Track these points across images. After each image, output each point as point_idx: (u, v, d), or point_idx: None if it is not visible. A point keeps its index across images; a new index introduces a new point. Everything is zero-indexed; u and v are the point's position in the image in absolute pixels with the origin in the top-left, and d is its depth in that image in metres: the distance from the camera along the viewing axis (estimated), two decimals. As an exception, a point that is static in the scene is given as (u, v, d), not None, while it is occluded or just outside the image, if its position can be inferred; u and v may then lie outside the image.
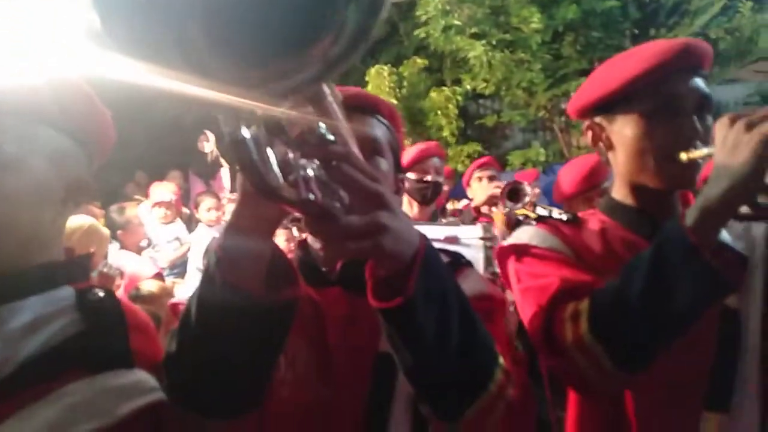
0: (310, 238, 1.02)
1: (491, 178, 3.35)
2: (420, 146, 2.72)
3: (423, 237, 0.67)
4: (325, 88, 0.57)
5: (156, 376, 0.79)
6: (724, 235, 0.96)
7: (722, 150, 0.77)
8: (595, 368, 0.85)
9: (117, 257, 3.59)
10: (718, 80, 6.13)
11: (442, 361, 0.68)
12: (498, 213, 2.92)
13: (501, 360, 0.75)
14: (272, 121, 0.53)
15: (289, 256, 0.80)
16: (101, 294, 0.85)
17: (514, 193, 2.85)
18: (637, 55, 1.05)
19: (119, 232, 3.81)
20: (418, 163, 2.67)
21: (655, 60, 1.00)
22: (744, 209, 0.82)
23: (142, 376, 0.78)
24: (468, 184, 3.53)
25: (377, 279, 0.66)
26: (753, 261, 0.98)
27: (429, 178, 2.58)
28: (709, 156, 0.90)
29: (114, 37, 0.37)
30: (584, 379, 0.88)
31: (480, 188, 3.32)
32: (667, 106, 1.00)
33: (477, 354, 0.72)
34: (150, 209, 4.59)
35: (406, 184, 2.67)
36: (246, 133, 0.48)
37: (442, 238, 2.09)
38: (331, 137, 0.58)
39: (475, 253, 2.10)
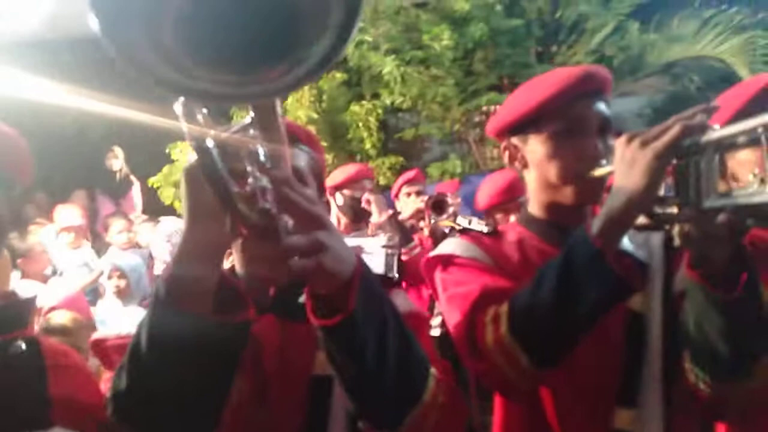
0: (237, 266, 1.01)
1: (419, 193, 3.45)
2: (356, 167, 2.85)
3: (359, 256, 0.70)
4: (277, 112, 0.59)
5: (79, 421, 0.76)
6: (626, 244, 1.06)
7: (621, 166, 0.86)
8: (513, 367, 0.93)
9: (20, 287, 3.32)
10: (614, 94, 6.62)
11: (381, 375, 0.72)
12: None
13: (433, 370, 0.81)
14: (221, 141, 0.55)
15: None
16: (23, 347, 0.81)
17: (438, 205, 2.94)
18: (546, 81, 1.14)
19: (20, 260, 3.53)
20: (353, 182, 2.77)
21: (561, 85, 1.10)
22: (642, 219, 0.91)
23: None
24: (396, 197, 3.60)
25: (317, 298, 0.68)
26: (653, 267, 1.09)
27: (365, 197, 2.65)
28: (611, 173, 0.99)
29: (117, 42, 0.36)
30: (505, 379, 0.95)
31: (408, 203, 3.40)
32: (572, 128, 1.10)
33: (413, 366, 0.77)
34: (56, 234, 4.28)
35: (340, 201, 2.71)
36: (210, 143, 0.50)
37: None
38: (268, 161, 0.60)
39: (377, 260, 2.21)
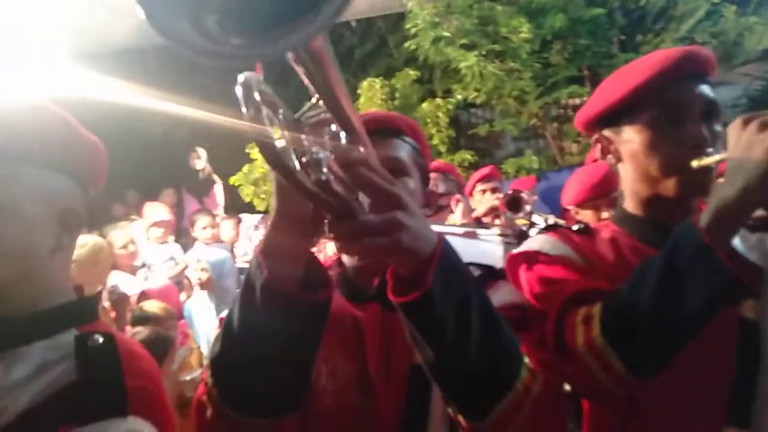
0: (344, 256, 1.06)
1: (494, 190, 3.36)
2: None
3: (441, 236, 0.69)
4: (340, 92, 0.59)
5: (153, 421, 0.80)
6: (738, 245, 0.95)
7: (736, 151, 0.77)
8: (606, 372, 0.84)
9: (118, 280, 3.56)
10: (706, 83, 6.16)
11: (462, 356, 0.69)
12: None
13: (527, 360, 0.76)
14: (297, 120, 0.58)
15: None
16: (100, 340, 0.85)
17: (513, 203, 2.84)
18: (639, 66, 1.05)
19: (114, 253, 3.78)
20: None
21: (656, 68, 1.00)
22: (760, 212, 0.81)
23: (136, 425, 0.78)
24: (470, 194, 3.52)
25: (398, 277, 0.69)
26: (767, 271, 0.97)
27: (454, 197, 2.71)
28: (721, 161, 0.89)
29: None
30: (596, 384, 0.87)
31: (482, 200, 3.32)
32: (672, 114, 1.00)
33: (500, 351, 0.73)
34: (145, 229, 4.54)
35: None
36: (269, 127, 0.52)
37: (460, 233, 2.17)
38: (348, 142, 0.61)
39: (494, 248, 2.15)
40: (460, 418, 0.75)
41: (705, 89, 1.02)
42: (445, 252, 0.68)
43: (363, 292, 0.99)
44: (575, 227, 1.14)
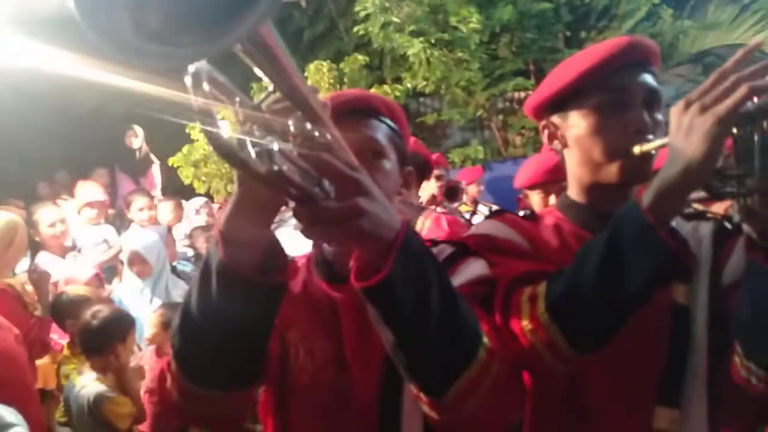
0: None
1: (438, 177, 3.37)
2: None
3: (405, 221, 0.71)
4: (293, 76, 0.61)
5: (19, 405, 0.80)
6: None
7: (677, 134, 0.77)
8: (550, 349, 0.86)
9: (43, 261, 3.34)
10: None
11: (421, 339, 0.72)
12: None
13: (485, 339, 0.78)
14: (255, 108, 0.59)
15: None
16: None
17: (451, 192, 2.86)
18: (587, 53, 1.06)
19: (42, 235, 3.55)
20: None
21: (603, 55, 1.02)
22: (698, 194, 0.83)
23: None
24: None
25: (360, 262, 0.70)
26: (700, 259, 1.00)
27: None
28: (662, 146, 0.90)
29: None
30: (540, 361, 0.88)
31: (427, 187, 3.33)
32: (616, 100, 1.01)
33: (458, 332, 0.75)
34: (77, 210, 4.29)
35: None
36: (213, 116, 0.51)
37: None
38: (310, 128, 0.62)
39: None
40: (421, 395, 0.77)
41: (648, 78, 1.03)
42: (407, 237, 0.69)
43: (339, 273, 0.97)
44: (521, 213, 1.16)
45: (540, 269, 0.95)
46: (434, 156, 3.64)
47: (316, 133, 0.63)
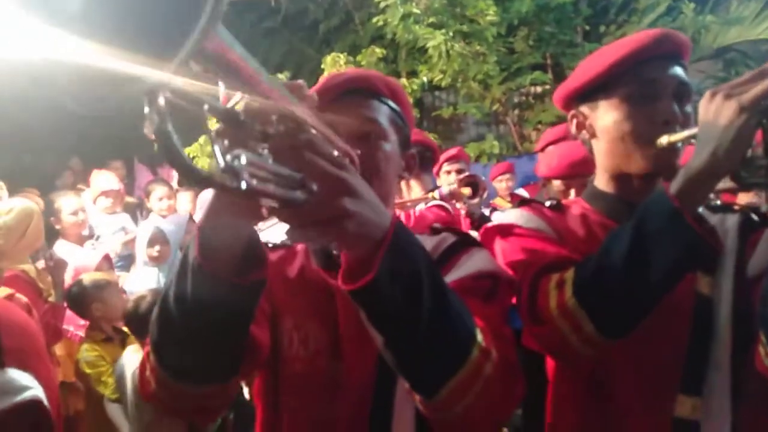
0: None
1: (459, 171, 3.36)
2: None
3: (395, 219, 0.68)
4: (281, 93, 0.58)
5: (34, 373, 0.83)
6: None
7: (705, 121, 0.78)
8: (577, 333, 0.87)
9: (60, 249, 3.38)
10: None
11: (411, 340, 0.70)
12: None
13: (480, 338, 0.76)
14: (227, 114, 0.54)
15: None
16: None
17: (471, 188, 2.84)
18: (618, 44, 1.07)
19: (61, 223, 3.61)
20: None
21: (635, 45, 1.02)
22: (726, 182, 0.83)
23: (12, 375, 0.82)
24: (437, 174, 3.51)
25: (347, 262, 0.68)
26: (726, 249, 1.00)
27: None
28: (690, 138, 0.91)
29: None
30: (566, 345, 0.89)
31: (447, 181, 3.32)
32: (646, 90, 1.02)
33: (450, 332, 0.73)
34: (93, 199, 4.34)
35: None
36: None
37: None
38: (290, 127, 0.59)
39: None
40: (413, 392, 0.77)
41: (679, 71, 1.04)
42: (396, 236, 0.67)
43: (336, 260, 0.97)
44: (548, 203, 1.16)
45: (567, 256, 0.96)
46: (455, 149, 3.63)
47: (298, 132, 0.61)
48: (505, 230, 1.09)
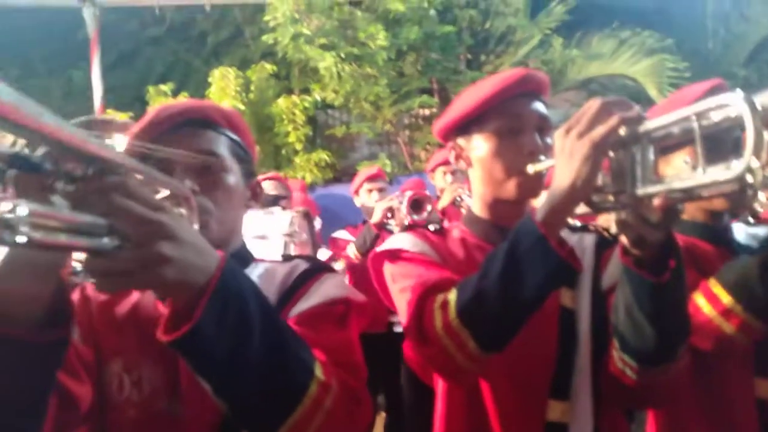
0: None
1: (380, 190, 3.41)
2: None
3: (223, 260, 0.65)
4: (82, 138, 0.53)
5: None
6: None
7: (561, 157, 0.87)
8: (461, 351, 0.93)
9: None
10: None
11: (240, 386, 0.67)
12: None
13: (318, 372, 0.75)
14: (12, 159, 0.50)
15: None
16: None
17: (417, 204, 2.84)
18: (489, 82, 1.17)
19: None
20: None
21: (501, 85, 1.13)
22: (582, 208, 0.93)
23: None
24: (356, 193, 3.54)
25: (170, 310, 0.63)
26: (584, 266, 1.12)
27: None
28: (552, 165, 1.01)
29: None
30: (452, 362, 0.95)
31: (370, 200, 3.34)
32: (512, 125, 1.13)
33: (285, 371, 0.71)
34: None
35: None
36: None
37: (251, 235, 2.24)
38: (97, 170, 0.55)
39: (275, 246, 2.27)
40: None
41: (540, 106, 1.17)
42: (223, 279, 0.63)
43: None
44: (431, 227, 1.24)
45: (450, 278, 1.03)
46: (375, 168, 3.67)
47: (107, 175, 0.56)
48: (393, 255, 1.16)
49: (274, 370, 0.69)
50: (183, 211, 0.80)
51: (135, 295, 1.00)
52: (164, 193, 0.77)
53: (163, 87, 6.01)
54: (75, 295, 0.99)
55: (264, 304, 0.70)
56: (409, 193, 2.83)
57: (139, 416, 0.89)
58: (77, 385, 0.84)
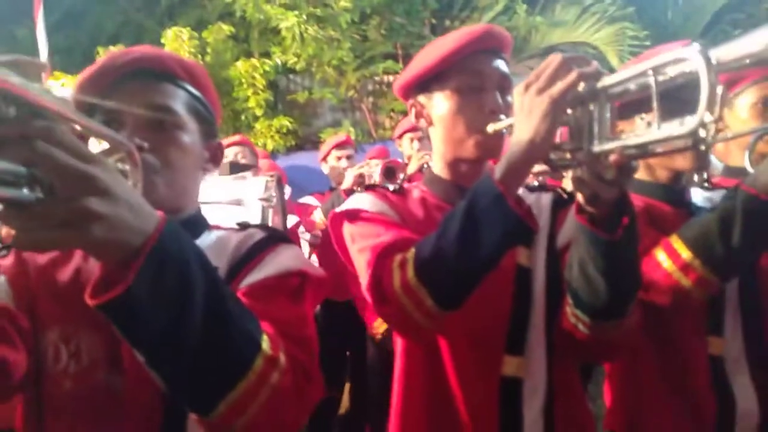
0: None
1: (349, 157, 3.39)
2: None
3: (163, 221, 0.60)
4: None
5: None
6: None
7: (520, 114, 0.86)
8: (419, 309, 0.93)
9: None
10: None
11: (175, 357, 0.63)
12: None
13: (266, 346, 0.71)
14: None
15: None
16: None
17: (389, 172, 2.84)
18: (449, 38, 1.15)
19: None
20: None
21: (462, 41, 1.11)
22: (540, 166, 0.93)
23: None
24: (325, 160, 3.50)
25: (101, 272, 0.59)
26: (540, 225, 1.13)
27: None
28: (512, 125, 1.00)
29: None
30: (410, 320, 0.95)
31: (338, 167, 3.33)
32: (473, 82, 1.11)
33: (227, 344, 0.67)
34: None
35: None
36: None
37: (225, 200, 2.15)
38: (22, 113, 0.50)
39: (253, 212, 2.22)
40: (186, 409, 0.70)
41: (501, 64, 1.15)
42: (162, 241, 0.58)
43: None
44: (391, 187, 1.23)
45: (409, 237, 1.02)
46: (344, 135, 3.64)
47: (32, 119, 0.51)
48: (352, 215, 1.14)
49: (215, 342, 0.64)
50: (126, 167, 0.75)
51: (77, 260, 0.93)
52: (104, 146, 0.72)
53: (114, 48, 5.73)
54: (9, 258, 0.93)
55: (209, 270, 0.65)
56: (379, 161, 2.82)
57: (75, 389, 0.84)
58: (11, 352, 0.80)
